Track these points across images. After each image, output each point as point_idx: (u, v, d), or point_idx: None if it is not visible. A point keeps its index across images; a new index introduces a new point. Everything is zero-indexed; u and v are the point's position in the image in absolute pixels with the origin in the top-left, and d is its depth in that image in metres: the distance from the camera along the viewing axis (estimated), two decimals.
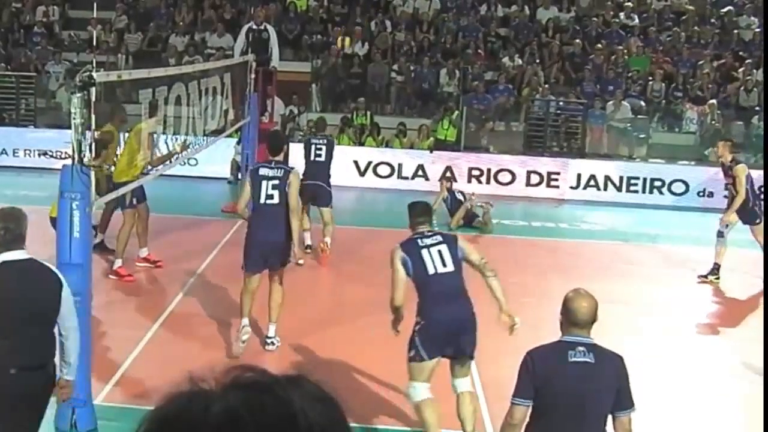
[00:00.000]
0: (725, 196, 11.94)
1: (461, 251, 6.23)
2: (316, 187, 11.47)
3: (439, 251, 6.15)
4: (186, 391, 1.10)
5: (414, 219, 6.44)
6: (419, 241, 6.22)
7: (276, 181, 8.32)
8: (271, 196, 8.28)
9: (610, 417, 4.62)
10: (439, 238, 6.27)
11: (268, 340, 8.51)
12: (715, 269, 11.60)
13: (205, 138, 11.22)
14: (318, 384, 1.13)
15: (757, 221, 11.50)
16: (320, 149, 11.82)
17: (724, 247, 11.51)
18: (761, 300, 9.46)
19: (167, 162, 9.64)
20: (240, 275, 8.30)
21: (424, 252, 6.14)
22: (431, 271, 6.10)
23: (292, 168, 8.80)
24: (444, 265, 6.12)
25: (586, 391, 4.50)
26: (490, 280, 6.28)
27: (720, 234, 11.57)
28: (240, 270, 8.35)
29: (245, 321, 8.31)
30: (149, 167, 9.03)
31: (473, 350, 6.29)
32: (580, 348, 4.51)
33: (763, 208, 11.59)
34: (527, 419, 4.66)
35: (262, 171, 8.47)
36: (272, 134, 10.35)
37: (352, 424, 1.13)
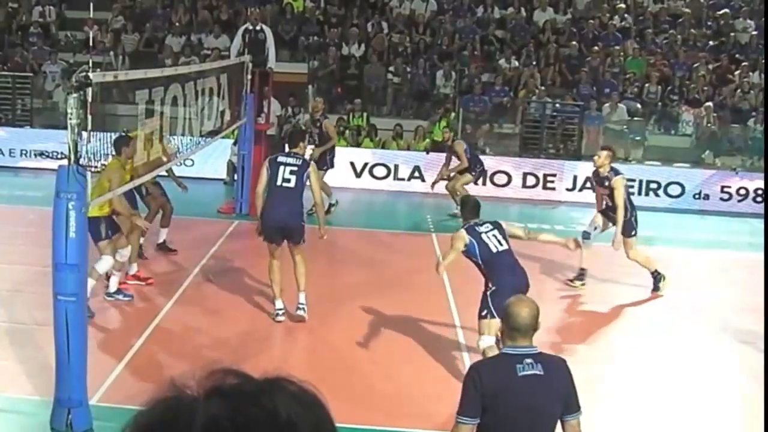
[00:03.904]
0: (607, 207, 10.87)
1: (506, 232, 7.68)
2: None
3: (494, 235, 7.54)
4: (169, 398, 1.08)
5: (467, 213, 7.83)
6: (476, 228, 7.58)
7: (294, 168, 9.01)
8: (288, 180, 8.98)
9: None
10: (490, 225, 7.64)
11: (300, 306, 9.18)
12: (581, 275, 10.82)
13: (201, 139, 11.22)
14: (301, 385, 1.11)
15: (633, 234, 10.71)
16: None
17: (588, 249, 10.71)
18: (760, 300, 9.47)
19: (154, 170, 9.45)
20: (240, 273, 8.37)
21: (484, 236, 7.51)
22: (494, 250, 7.45)
23: (311, 160, 9.40)
24: (501, 244, 7.50)
25: (538, 403, 4.38)
26: (541, 236, 8.34)
27: (586, 235, 10.91)
28: (240, 268, 8.43)
29: (279, 303, 9.13)
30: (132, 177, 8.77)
31: None
32: (528, 360, 4.38)
33: (635, 221, 10.77)
34: None
35: (281, 158, 9.16)
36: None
37: (339, 425, 1.13)
